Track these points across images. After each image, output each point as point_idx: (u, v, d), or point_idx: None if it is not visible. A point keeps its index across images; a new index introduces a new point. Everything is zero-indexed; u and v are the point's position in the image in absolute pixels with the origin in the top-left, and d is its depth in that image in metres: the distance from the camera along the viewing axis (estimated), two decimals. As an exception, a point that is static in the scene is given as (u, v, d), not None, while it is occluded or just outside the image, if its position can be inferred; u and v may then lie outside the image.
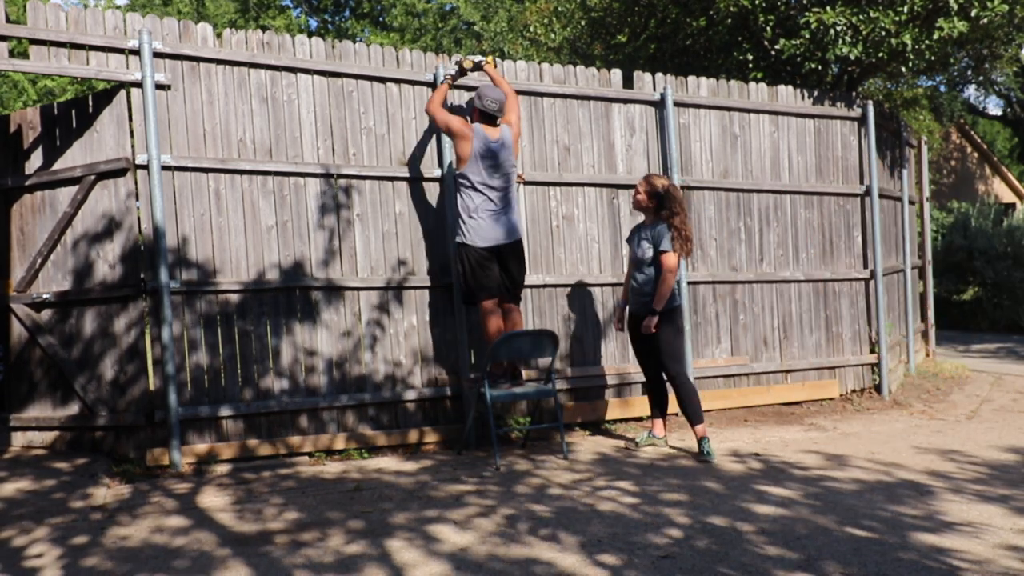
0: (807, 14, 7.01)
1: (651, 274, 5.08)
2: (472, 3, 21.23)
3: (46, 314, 5.05)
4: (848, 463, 4.93)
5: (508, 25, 17.70)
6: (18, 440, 5.15)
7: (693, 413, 5.08)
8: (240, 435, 4.94)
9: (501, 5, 19.77)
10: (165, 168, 4.77)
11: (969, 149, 22.13)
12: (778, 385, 6.66)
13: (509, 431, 5.59)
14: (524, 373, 5.51)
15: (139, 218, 4.86)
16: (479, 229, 5.04)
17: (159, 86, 4.78)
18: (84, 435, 5.00)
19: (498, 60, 5.76)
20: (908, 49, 6.98)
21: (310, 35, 15.95)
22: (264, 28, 18.80)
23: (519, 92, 5.75)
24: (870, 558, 3.24)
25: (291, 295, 5.10)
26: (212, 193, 4.92)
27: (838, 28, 6.88)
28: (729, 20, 7.85)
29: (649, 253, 5.09)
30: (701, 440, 5.05)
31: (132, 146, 4.84)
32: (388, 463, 4.94)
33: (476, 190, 5.05)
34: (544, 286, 5.79)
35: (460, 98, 5.60)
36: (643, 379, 6.05)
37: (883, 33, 6.86)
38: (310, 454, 5.05)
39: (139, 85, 4.72)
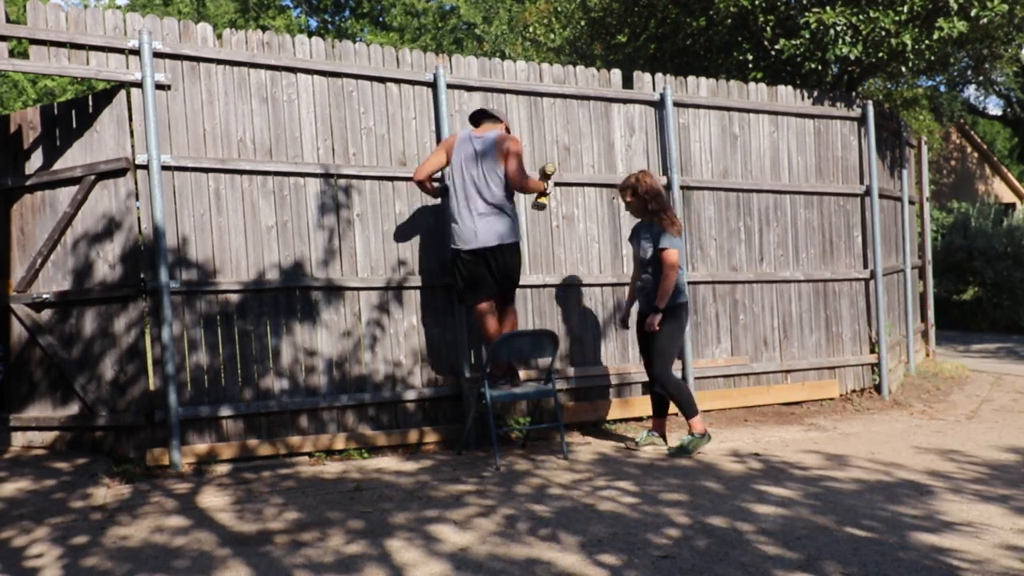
0: (807, 14, 7.01)
1: (654, 273, 5.09)
2: (472, 4, 21.23)
3: (46, 314, 5.05)
4: (848, 463, 4.93)
5: (508, 26, 17.71)
6: (18, 440, 5.15)
7: (685, 408, 5.11)
8: (240, 435, 4.94)
9: (502, 5, 19.78)
10: (165, 168, 4.78)
11: (969, 149, 22.13)
12: (778, 385, 6.66)
13: (509, 431, 5.59)
14: (524, 373, 5.51)
15: (139, 218, 4.86)
16: (458, 232, 5.03)
17: (159, 86, 4.78)
18: (84, 435, 5.00)
19: (498, 60, 5.77)
20: (908, 49, 6.98)
21: (310, 35, 15.94)
22: (264, 28, 18.81)
23: (519, 92, 5.76)
24: (870, 558, 3.24)
25: (291, 295, 5.10)
26: (212, 193, 4.92)
27: (838, 28, 6.88)
28: (729, 20, 7.85)
29: (650, 252, 5.11)
30: (691, 433, 5.12)
31: (132, 146, 4.84)
32: (388, 463, 4.94)
33: (453, 194, 5.05)
34: (544, 286, 5.79)
35: (460, 98, 5.61)
36: (644, 379, 6.08)
37: (883, 33, 6.87)
38: (310, 454, 5.05)
39: (139, 85, 4.72)
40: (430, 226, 5.49)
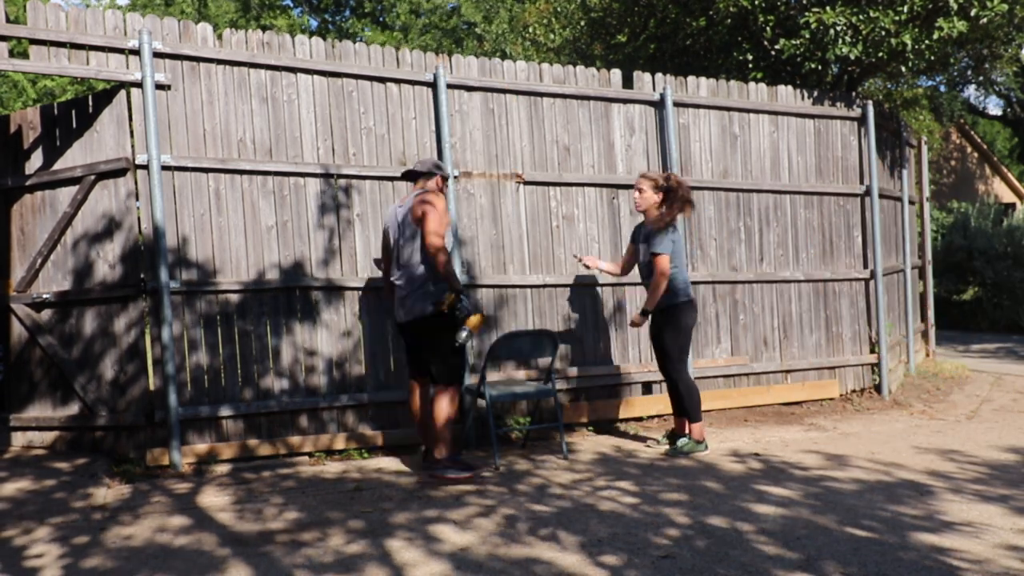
0: (807, 14, 7.01)
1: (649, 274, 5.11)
2: (473, 3, 21.24)
3: (46, 314, 5.05)
4: (848, 463, 4.93)
5: (509, 25, 17.71)
6: (18, 440, 5.15)
7: (690, 410, 5.11)
8: (240, 435, 4.94)
9: (502, 5, 19.78)
10: (165, 168, 4.78)
11: (969, 149, 22.12)
12: (778, 385, 6.66)
13: (509, 431, 5.59)
14: (524, 373, 5.51)
15: (139, 218, 4.86)
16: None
17: (159, 86, 4.78)
18: (84, 435, 5.00)
19: (498, 60, 5.77)
20: (908, 49, 6.98)
21: (310, 35, 15.96)
22: (265, 28, 18.81)
23: (519, 92, 5.76)
24: (870, 558, 3.24)
25: (291, 295, 5.10)
26: (212, 193, 4.92)
27: (838, 28, 6.88)
28: (729, 20, 7.85)
29: (649, 256, 5.10)
30: (689, 436, 5.13)
31: (132, 146, 4.84)
32: (388, 463, 4.94)
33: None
34: (544, 286, 5.79)
35: (460, 98, 5.60)
36: (644, 379, 6.08)
37: (883, 33, 6.86)
38: (310, 454, 5.05)
39: (139, 85, 4.72)
40: (430, 226, 5.48)
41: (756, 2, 7.33)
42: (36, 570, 3.21)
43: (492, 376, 5.36)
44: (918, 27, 7.02)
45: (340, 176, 5.24)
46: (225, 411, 4.88)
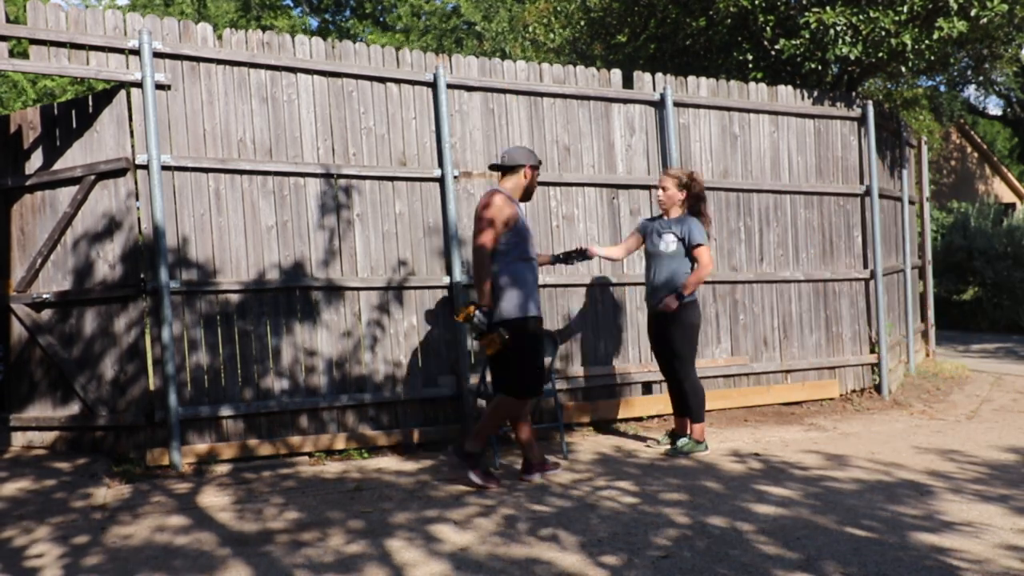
0: (807, 14, 7.01)
1: (673, 268, 5.05)
2: (473, 3, 21.24)
3: (46, 314, 5.05)
4: (848, 463, 4.93)
5: (509, 25, 17.71)
6: (18, 440, 5.15)
7: (694, 410, 5.11)
8: (240, 435, 4.94)
9: (502, 5, 19.78)
10: (165, 168, 4.78)
11: (969, 149, 22.13)
12: (778, 385, 6.67)
13: (509, 431, 5.58)
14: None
15: (139, 218, 4.87)
16: None
17: (159, 86, 4.78)
18: (84, 435, 5.00)
19: (498, 60, 5.77)
20: (908, 49, 6.98)
21: (311, 35, 15.95)
22: (265, 28, 18.81)
23: (519, 92, 5.76)
24: (870, 558, 3.24)
25: (291, 295, 5.10)
26: (212, 193, 4.92)
27: (838, 28, 6.88)
28: (729, 20, 7.85)
29: (673, 247, 5.06)
30: (689, 436, 5.13)
31: (132, 146, 4.84)
32: (388, 463, 4.94)
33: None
34: (544, 286, 5.79)
35: (460, 98, 5.60)
36: (644, 379, 6.08)
37: (883, 33, 6.86)
38: (310, 454, 5.05)
39: (139, 85, 4.73)
40: (430, 226, 5.49)
41: (756, 2, 7.33)
42: (36, 570, 3.21)
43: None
44: (918, 27, 7.02)
45: (340, 176, 5.24)
46: (225, 411, 4.88)
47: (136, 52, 4.73)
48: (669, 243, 5.08)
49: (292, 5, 24.55)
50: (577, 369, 5.89)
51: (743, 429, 5.99)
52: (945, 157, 21.48)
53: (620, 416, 5.99)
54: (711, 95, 6.52)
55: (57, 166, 4.99)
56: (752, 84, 6.73)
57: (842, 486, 4.38)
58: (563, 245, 5.89)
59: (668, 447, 5.22)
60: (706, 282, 6.37)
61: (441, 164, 5.49)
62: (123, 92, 4.85)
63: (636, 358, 6.11)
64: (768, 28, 7.50)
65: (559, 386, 5.55)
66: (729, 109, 6.54)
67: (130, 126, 4.85)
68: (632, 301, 6.09)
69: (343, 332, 5.22)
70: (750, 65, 7.89)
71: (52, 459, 4.85)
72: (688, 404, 5.12)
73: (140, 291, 4.81)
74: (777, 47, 7.47)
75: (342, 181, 5.25)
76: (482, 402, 5.03)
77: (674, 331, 5.07)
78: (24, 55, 5.16)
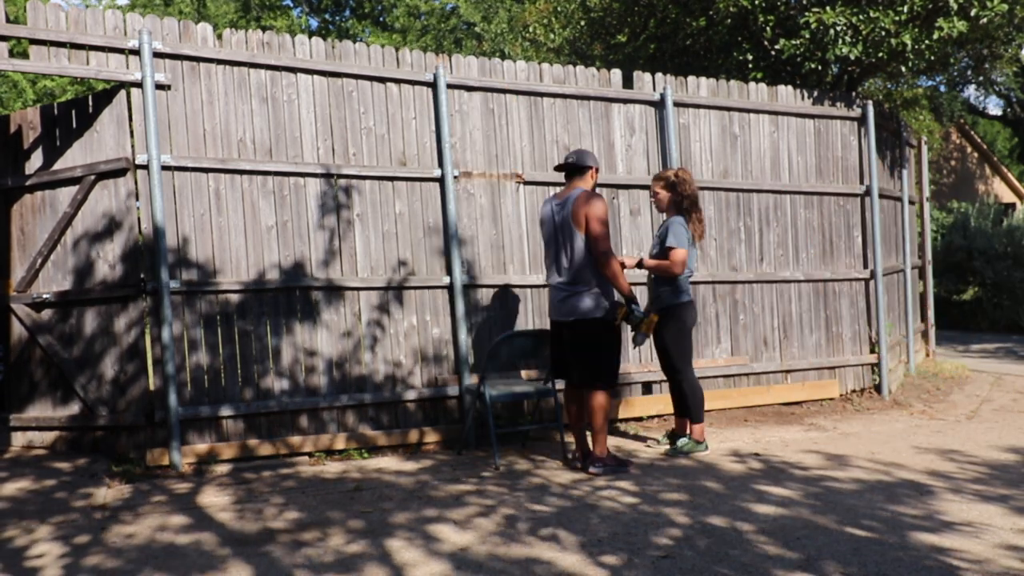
0: (807, 14, 7.01)
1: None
2: (472, 3, 21.23)
3: (46, 314, 5.05)
4: (848, 463, 4.93)
5: (508, 25, 17.71)
6: (18, 440, 5.15)
7: (693, 410, 5.11)
8: (240, 435, 4.95)
9: (501, 5, 19.78)
10: (165, 168, 4.78)
11: (969, 149, 22.13)
12: (778, 385, 6.67)
13: (508, 430, 5.58)
14: (524, 373, 5.51)
15: (139, 218, 4.87)
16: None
17: (159, 86, 4.79)
18: (84, 435, 5.00)
19: (498, 60, 5.78)
20: (908, 49, 6.98)
21: (310, 35, 15.95)
22: (265, 28, 18.81)
23: (519, 92, 5.76)
24: (870, 558, 3.24)
25: (291, 295, 5.10)
26: (212, 193, 4.93)
27: (838, 28, 6.88)
28: (729, 20, 7.85)
29: (656, 249, 5.10)
30: (689, 436, 5.13)
31: (132, 146, 4.84)
32: (388, 463, 4.94)
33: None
34: (544, 286, 5.79)
35: (460, 98, 5.60)
36: (644, 379, 6.08)
37: (883, 33, 6.87)
38: (310, 454, 5.05)
39: (139, 85, 4.73)
40: (430, 226, 5.49)
41: (756, 2, 7.33)
42: (37, 570, 3.21)
43: (492, 376, 5.35)
44: (918, 27, 7.02)
45: (340, 176, 5.24)
46: (225, 411, 4.88)
47: (136, 52, 4.73)
48: (654, 245, 5.14)
49: (292, 5, 24.55)
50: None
51: (743, 429, 5.99)
52: (945, 157, 21.49)
53: (620, 416, 5.99)
54: (711, 95, 6.52)
55: (57, 166, 4.99)
56: (752, 84, 6.73)
57: (842, 486, 4.38)
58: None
59: (668, 447, 5.22)
60: (706, 282, 6.38)
61: (441, 164, 5.49)
62: (123, 92, 4.85)
63: (636, 358, 6.11)
64: (768, 28, 7.51)
65: (559, 386, 5.55)
66: (729, 109, 6.55)
67: (130, 126, 4.85)
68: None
69: (343, 332, 5.22)
70: (750, 65, 7.89)
71: (52, 459, 4.85)
72: (687, 404, 5.13)
73: (140, 291, 4.81)
74: (777, 47, 7.47)
75: (342, 181, 5.25)
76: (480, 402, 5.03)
77: (670, 331, 5.08)
78: (24, 55, 5.16)
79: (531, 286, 5.73)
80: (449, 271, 5.48)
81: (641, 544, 3.42)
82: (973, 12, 6.83)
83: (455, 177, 5.51)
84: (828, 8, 6.94)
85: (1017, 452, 5.28)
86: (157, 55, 4.77)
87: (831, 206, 7.01)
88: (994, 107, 32.01)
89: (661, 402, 6.02)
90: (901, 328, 8.20)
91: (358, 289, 5.26)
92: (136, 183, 4.86)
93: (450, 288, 5.47)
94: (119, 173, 4.83)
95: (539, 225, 4.94)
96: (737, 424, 6.16)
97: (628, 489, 4.29)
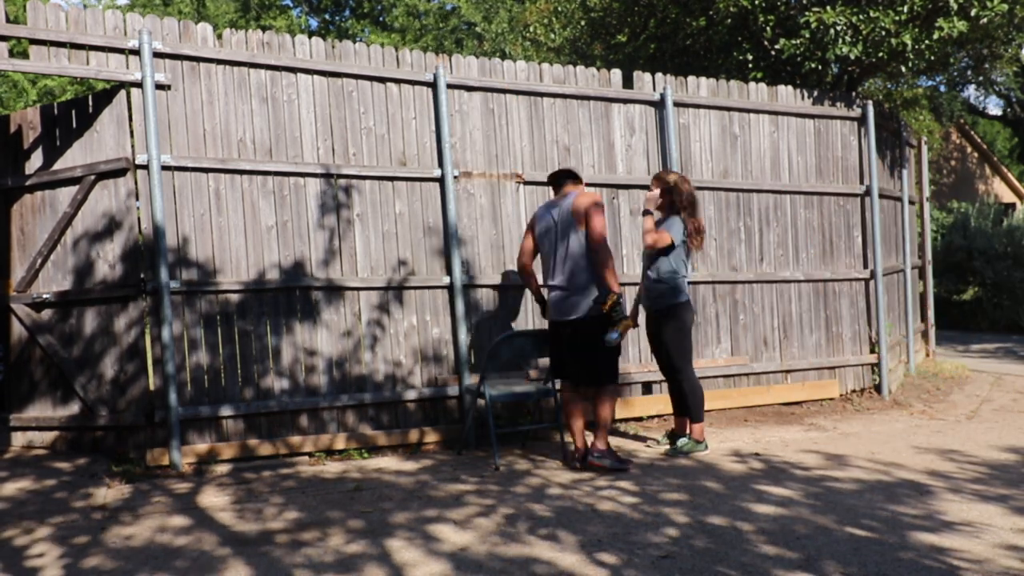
0: (807, 14, 7.01)
1: (662, 269, 5.07)
2: (473, 3, 21.23)
3: (46, 314, 5.05)
4: (848, 463, 4.93)
5: (509, 25, 17.71)
6: (18, 440, 5.15)
7: (693, 410, 5.11)
8: (240, 435, 4.95)
9: (502, 5, 19.78)
10: (165, 168, 4.78)
11: (969, 149, 22.13)
12: (778, 385, 6.67)
13: (507, 429, 5.58)
14: (525, 373, 5.51)
15: (139, 218, 4.87)
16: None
17: (159, 86, 4.79)
18: (84, 435, 5.00)
19: (498, 60, 5.77)
20: (908, 49, 6.98)
21: (310, 35, 15.95)
22: (265, 28, 18.81)
23: (519, 92, 5.76)
24: (870, 558, 3.24)
25: (291, 295, 5.10)
26: (212, 193, 4.93)
27: (838, 28, 6.88)
28: (729, 20, 7.85)
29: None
30: (689, 435, 5.13)
31: (132, 146, 4.84)
32: (388, 463, 4.94)
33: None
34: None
35: (460, 98, 5.60)
36: (644, 379, 6.08)
37: (883, 33, 6.87)
38: (310, 454, 5.05)
39: (139, 85, 4.73)
40: (430, 226, 5.49)
41: (756, 2, 7.33)
42: (36, 570, 3.21)
43: (492, 376, 5.36)
44: (918, 27, 7.03)
45: (340, 176, 5.24)
46: (225, 411, 4.88)
47: (136, 52, 4.73)
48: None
49: (292, 5, 24.55)
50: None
51: (743, 429, 6.00)
52: (945, 157, 21.49)
53: (620, 416, 5.99)
54: (711, 95, 6.52)
55: (57, 166, 4.99)
56: (752, 84, 6.73)
57: (842, 486, 4.38)
58: (563, 245, 5.89)
59: (668, 447, 5.22)
60: (706, 282, 6.38)
61: (441, 164, 5.49)
62: (123, 92, 4.85)
63: (636, 358, 6.11)
64: (768, 28, 7.51)
65: (559, 385, 5.54)
66: (729, 109, 6.55)
67: (130, 126, 4.85)
68: (631, 300, 6.08)
69: (343, 332, 5.22)
70: (750, 65, 7.90)
71: (52, 459, 4.85)
72: (687, 404, 5.13)
73: (140, 291, 4.81)
74: (777, 47, 7.47)
75: (342, 181, 5.25)
76: (481, 401, 5.02)
77: (669, 331, 5.08)
78: (24, 55, 5.16)
79: (531, 286, 5.73)
80: (449, 271, 5.48)
81: (641, 544, 3.42)
82: (973, 12, 6.83)
83: (455, 177, 5.51)
84: (828, 8, 6.94)
85: (1017, 452, 5.28)
86: (157, 55, 4.77)
87: (831, 206, 7.01)
88: (994, 107, 32.04)
89: (661, 402, 6.02)
90: (901, 328, 8.20)
91: (358, 289, 5.26)
92: (136, 183, 4.87)
93: (450, 288, 5.47)
94: (119, 173, 4.83)
95: (538, 233, 4.87)
96: (737, 424, 6.16)
97: (628, 489, 4.29)
